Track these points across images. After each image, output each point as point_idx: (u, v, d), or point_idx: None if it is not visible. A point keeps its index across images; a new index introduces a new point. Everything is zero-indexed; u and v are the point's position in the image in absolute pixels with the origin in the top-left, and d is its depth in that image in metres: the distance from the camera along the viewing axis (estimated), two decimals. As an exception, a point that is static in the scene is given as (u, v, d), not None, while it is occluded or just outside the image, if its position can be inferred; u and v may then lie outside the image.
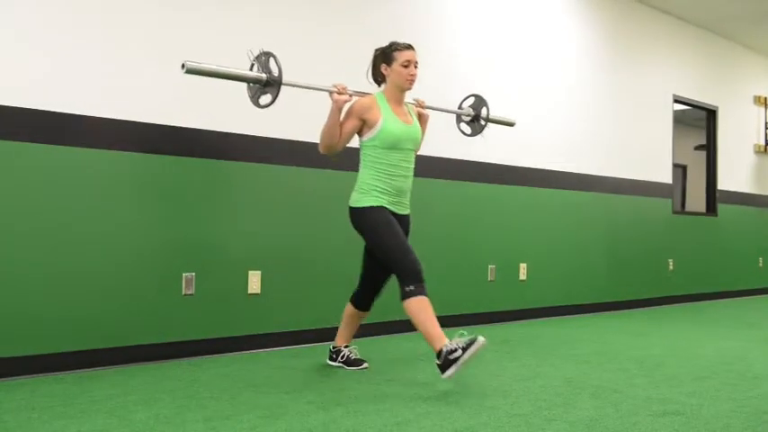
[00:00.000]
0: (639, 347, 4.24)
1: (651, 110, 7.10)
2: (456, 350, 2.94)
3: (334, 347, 3.56)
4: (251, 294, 4.02)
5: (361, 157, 3.35)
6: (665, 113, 7.27)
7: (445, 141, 4.94)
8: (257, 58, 3.24)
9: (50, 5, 3.33)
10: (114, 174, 3.53)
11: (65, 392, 2.91)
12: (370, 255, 3.42)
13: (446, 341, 2.99)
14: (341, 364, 3.49)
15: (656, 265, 7.05)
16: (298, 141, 4.21)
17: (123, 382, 3.12)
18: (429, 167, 4.94)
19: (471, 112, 4.12)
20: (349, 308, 3.53)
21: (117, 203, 3.53)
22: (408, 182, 3.38)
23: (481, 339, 2.93)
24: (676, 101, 7.46)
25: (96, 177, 3.47)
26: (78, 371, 3.35)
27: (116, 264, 3.52)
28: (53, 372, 3.30)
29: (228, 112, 3.93)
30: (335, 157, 3.58)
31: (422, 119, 3.59)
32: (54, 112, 3.34)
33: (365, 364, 3.47)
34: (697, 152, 9.19)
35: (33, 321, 3.27)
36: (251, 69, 3.26)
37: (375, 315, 4.44)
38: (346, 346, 3.54)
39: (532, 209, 5.75)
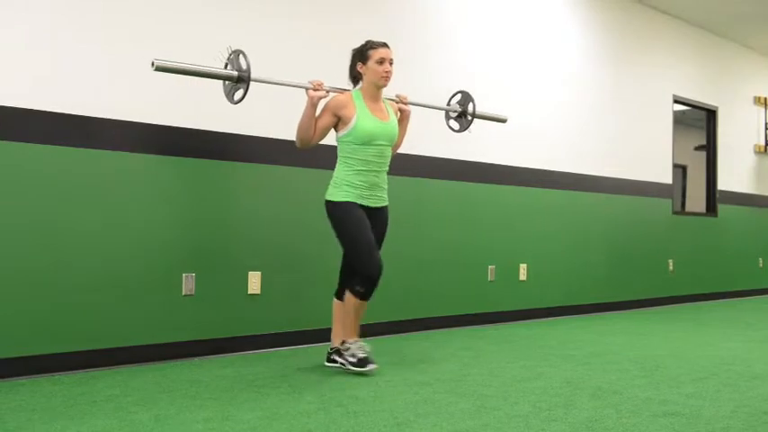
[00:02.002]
0: (639, 348, 4.24)
1: (651, 110, 7.10)
2: (355, 358, 3.34)
3: (332, 348, 3.55)
4: (251, 295, 4.02)
5: (338, 152, 3.47)
6: (665, 114, 7.27)
7: (445, 142, 4.94)
8: (229, 56, 3.37)
9: (53, 6, 3.34)
10: (114, 174, 3.53)
11: (65, 393, 2.91)
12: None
13: (352, 339, 3.42)
14: (343, 363, 3.43)
15: (656, 266, 7.05)
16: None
17: (123, 382, 3.12)
18: (429, 168, 4.94)
19: (458, 108, 4.18)
20: (336, 304, 3.60)
21: (117, 204, 3.53)
22: (382, 176, 3.49)
23: (372, 367, 3.31)
24: (676, 101, 7.46)
25: (96, 178, 3.47)
26: (78, 371, 3.35)
27: (116, 264, 3.52)
28: (53, 372, 3.30)
29: (228, 112, 3.92)
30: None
31: (403, 114, 3.67)
32: (54, 113, 3.34)
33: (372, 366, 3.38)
34: (697, 152, 9.18)
35: (33, 322, 3.27)
36: (225, 67, 3.37)
37: (375, 316, 4.45)
38: (352, 342, 3.46)
39: (532, 209, 5.75)
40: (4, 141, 3.20)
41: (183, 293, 3.75)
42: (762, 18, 7.52)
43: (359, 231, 3.36)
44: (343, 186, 3.41)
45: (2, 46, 3.21)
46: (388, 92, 3.71)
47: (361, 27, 4.60)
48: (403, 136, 3.73)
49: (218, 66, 3.43)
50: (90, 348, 3.43)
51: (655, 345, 4.40)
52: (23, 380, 3.16)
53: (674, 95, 7.38)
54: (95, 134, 3.47)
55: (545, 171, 5.85)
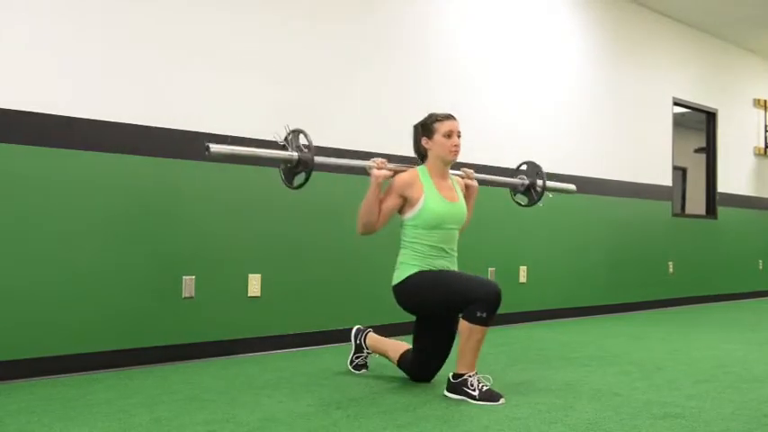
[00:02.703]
0: (639, 350, 4.24)
1: (651, 112, 7.11)
2: (478, 391, 2.85)
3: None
4: (251, 297, 4.02)
5: (401, 236, 3.15)
6: (664, 116, 7.27)
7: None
8: (287, 136, 3.07)
9: (54, 8, 3.34)
10: (114, 177, 3.53)
11: (64, 396, 2.91)
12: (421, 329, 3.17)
13: (474, 371, 2.93)
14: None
15: (655, 268, 7.05)
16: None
17: (123, 385, 3.12)
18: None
19: (526, 181, 3.92)
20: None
21: (117, 206, 3.53)
22: (453, 262, 3.16)
23: (501, 401, 2.83)
24: (676, 103, 7.46)
25: (96, 180, 3.47)
26: (78, 374, 3.35)
27: (116, 266, 3.52)
28: (53, 375, 3.30)
29: (228, 113, 3.93)
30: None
31: (469, 191, 3.37)
32: (53, 115, 3.34)
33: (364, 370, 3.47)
34: (697, 155, 9.19)
35: (33, 324, 3.27)
36: (283, 148, 3.07)
37: (374, 320, 4.45)
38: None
39: (532, 211, 5.73)
40: (4, 144, 3.21)
41: (184, 296, 3.75)
42: (762, 21, 7.53)
43: (457, 277, 3.02)
44: (411, 268, 3.06)
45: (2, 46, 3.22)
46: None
47: (361, 29, 4.60)
48: (470, 214, 3.35)
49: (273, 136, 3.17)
50: (90, 351, 3.43)
51: (655, 347, 4.39)
52: (23, 382, 3.16)
53: (673, 98, 7.38)
54: (94, 136, 3.47)
55: (544, 173, 5.84)
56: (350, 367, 3.48)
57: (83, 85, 3.44)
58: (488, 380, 2.97)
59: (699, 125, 8.58)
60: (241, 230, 3.99)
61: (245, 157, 3.03)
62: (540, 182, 3.90)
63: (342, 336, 4.14)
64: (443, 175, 3.19)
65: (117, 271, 3.52)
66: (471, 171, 3.43)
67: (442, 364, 3.21)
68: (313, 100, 4.31)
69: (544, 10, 5.96)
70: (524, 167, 3.98)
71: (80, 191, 3.42)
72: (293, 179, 3.11)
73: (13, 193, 3.23)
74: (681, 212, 8.58)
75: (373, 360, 3.59)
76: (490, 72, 5.47)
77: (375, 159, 3.13)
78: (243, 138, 3.96)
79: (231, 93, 3.96)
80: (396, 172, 3.14)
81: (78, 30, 3.42)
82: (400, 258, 3.14)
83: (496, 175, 4.07)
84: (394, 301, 3.16)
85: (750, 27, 7.76)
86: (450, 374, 2.96)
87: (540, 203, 3.95)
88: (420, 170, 3.17)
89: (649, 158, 7.03)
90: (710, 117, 8.11)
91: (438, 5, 5.13)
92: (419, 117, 3.27)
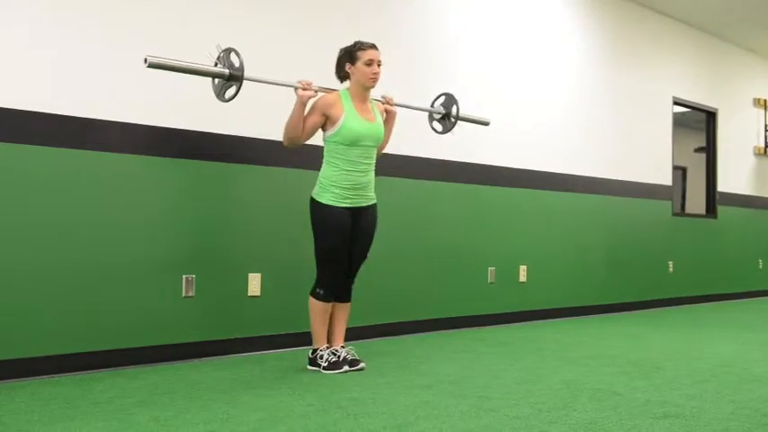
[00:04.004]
0: (639, 350, 4.24)
1: (651, 112, 7.11)
2: (337, 362, 3.40)
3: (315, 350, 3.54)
4: (251, 296, 4.02)
5: (324, 152, 3.49)
6: (664, 115, 7.28)
7: (444, 144, 4.94)
8: (219, 55, 3.38)
9: (54, 8, 3.34)
10: (114, 176, 3.53)
11: (65, 395, 2.91)
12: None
13: (324, 345, 3.50)
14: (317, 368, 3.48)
15: (655, 267, 7.05)
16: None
17: (123, 384, 3.13)
18: (429, 170, 4.94)
19: (442, 110, 4.20)
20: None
21: (117, 206, 3.54)
22: (369, 176, 3.50)
23: (362, 365, 3.42)
24: (676, 103, 7.46)
25: (96, 180, 3.47)
26: (78, 373, 3.35)
27: (116, 266, 3.52)
28: (53, 374, 3.30)
29: (228, 114, 3.93)
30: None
31: (389, 115, 3.70)
32: (54, 115, 3.34)
33: (362, 364, 3.49)
34: (697, 154, 9.19)
35: (33, 324, 3.28)
36: (215, 65, 3.37)
37: (374, 318, 4.45)
38: (342, 347, 3.56)
39: (532, 211, 5.75)
40: (5, 143, 3.21)
41: (184, 295, 3.75)
42: (762, 20, 7.53)
43: (335, 243, 3.43)
44: (329, 188, 3.43)
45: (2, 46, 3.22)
46: (376, 92, 3.71)
47: (361, 30, 4.60)
48: (389, 137, 3.75)
49: (208, 63, 3.43)
50: (90, 350, 3.43)
51: (654, 346, 4.40)
52: (24, 382, 3.16)
53: (673, 97, 7.39)
54: (96, 136, 3.47)
55: (545, 173, 5.86)
56: (346, 369, 3.42)
57: (82, 85, 3.43)
58: (350, 352, 3.48)
59: (699, 125, 8.58)
60: (241, 230, 3.99)
61: (182, 69, 3.25)
62: (454, 110, 4.17)
63: (342, 335, 4.14)
64: (363, 99, 3.52)
65: (117, 270, 3.52)
66: (391, 97, 3.74)
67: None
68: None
69: (544, 10, 5.96)
70: (442, 98, 4.26)
71: (79, 190, 3.42)
72: (225, 93, 3.40)
73: (12, 192, 3.23)
74: (681, 212, 8.58)
75: (371, 360, 3.59)
76: (490, 72, 5.47)
77: (301, 80, 3.43)
78: (242, 138, 3.96)
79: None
80: (319, 93, 3.47)
81: (79, 30, 3.43)
82: (321, 173, 3.48)
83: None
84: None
85: (750, 27, 7.76)
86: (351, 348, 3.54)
87: (452, 132, 4.27)
88: (342, 93, 3.50)
89: (649, 158, 7.03)
90: (710, 116, 8.11)
91: (438, 6, 5.13)
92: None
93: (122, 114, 3.55)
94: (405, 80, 4.81)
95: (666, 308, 7.03)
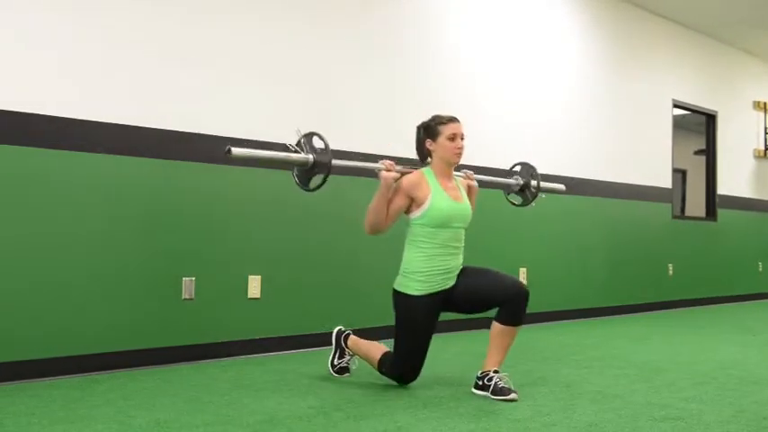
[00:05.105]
0: (639, 352, 4.24)
1: (651, 114, 7.11)
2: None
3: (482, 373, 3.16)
4: (251, 299, 4.02)
5: (408, 236, 3.20)
6: (664, 118, 7.28)
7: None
8: (300, 141, 3.13)
9: (54, 9, 3.34)
10: (114, 178, 3.53)
11: (65, 397, 2.91)
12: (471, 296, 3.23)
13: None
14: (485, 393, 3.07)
15: (655, 270, 7.05)
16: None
17: (123, 386, 3.12)
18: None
19: (520, 181, 4.00)
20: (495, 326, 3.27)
21: (116, 207, 3.53)
22: (459, 259, 3.22)
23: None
24: (676, 105, 7.47)
25: (96, 182, 3.47)
26: (78, 375, 3.35)
27: (116, 268, 3.52)
28: (53, 376, 3.30)
29: (228, 115, 3.93)
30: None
31: (471, 191, 3.44)
32: (52, 117, 3.34)
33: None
34: (696, 157, 9.19)
35: (33, 326, 3.27)
36: (295, 150, 3.13)
37: (376, 321, 4.45)
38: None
39: (532, 213, 5.73)
40: (4, 145, 3.21)
41: (183, 297, 3.75)
42: (762, 23, 7.54)
43: (413, 340, 3.14)
44: (414, 276, 3.12)
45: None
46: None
47: (361, 30, 4.61)
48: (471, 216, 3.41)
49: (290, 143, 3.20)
50: (90, 353, 3.43)
51: (655, 349, 4.39)
52: (23, 384, 3.16)
53: (673, 100, 7.39)
54: (94, 137, 3.47)
55: (544, 175, 5.83)
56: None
57: (83, 86, 3.44)
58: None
59: (698, 127, 8.58)
60: (241, 232, 3.99)
61: (264, 159, 3.09)
62: (534, 182, 3.99)
63: (342, 337, 4.14)
64: (448, 176, 3.26)
65: (117, 273, 3.52)
66: (471, 172, 3.51)
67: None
68: (313, 101, 4.31)
69: (544, 13, 5.97)
70: (518, 168, 4.05)
71: (79, 192, 3.42)
72: (309, 182, 3.16)
73: (13, 194, 3.23)
74: (681, 214, 8.58)
75: (363, 363, 3.59)
76: (490, 73, 5.47)
77: (384, 161, 3.16)
78: (241, 140, 3.96)
79: (231, 93, 3.96)
80: (403, 174, 3.20)
81: (78, 30, 3.43)
82: (406, 260, 3.18)
83: (496, 175, 4.07)
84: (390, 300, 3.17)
85: (750, 29, 7.77)
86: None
87: (533, 204, 4.05)
88: (426, 171, 3.23)
89: (649, 160, 7.03)
90: (710, 119, 8.11)
91: (439, 6, 5.13)
92: (418, 117, 3.28)
93: (122, 115, 3.55)
94: (405, 80, 4.82)
95: (666, 310, 7.02)
